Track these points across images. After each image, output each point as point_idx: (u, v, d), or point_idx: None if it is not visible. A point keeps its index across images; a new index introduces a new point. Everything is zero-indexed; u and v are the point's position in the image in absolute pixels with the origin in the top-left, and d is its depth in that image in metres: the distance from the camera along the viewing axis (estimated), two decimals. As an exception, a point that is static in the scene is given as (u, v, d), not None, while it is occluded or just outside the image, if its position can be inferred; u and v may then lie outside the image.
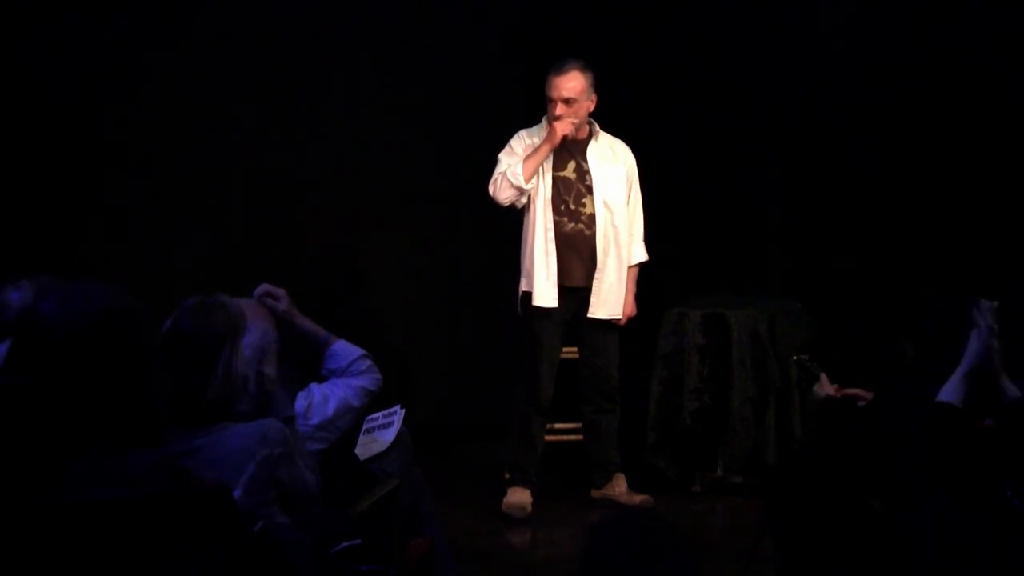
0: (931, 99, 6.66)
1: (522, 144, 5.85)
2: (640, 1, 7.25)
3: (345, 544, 3.33)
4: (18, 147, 5.99)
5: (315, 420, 3.74)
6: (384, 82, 6.94)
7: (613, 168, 5.92)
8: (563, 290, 5.85)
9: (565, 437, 6.40)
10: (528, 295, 5.88)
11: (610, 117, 5.99)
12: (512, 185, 5.76)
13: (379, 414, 4.29)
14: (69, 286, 2.42)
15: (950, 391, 3.53)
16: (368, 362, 3.88)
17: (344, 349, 3.88)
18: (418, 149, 7.01)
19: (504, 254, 6.17)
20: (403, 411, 4.28)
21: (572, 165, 5.87)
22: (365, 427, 4.29)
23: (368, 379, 3.86)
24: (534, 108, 6.01)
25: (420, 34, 7.01)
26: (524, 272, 5.91)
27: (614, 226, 5.89)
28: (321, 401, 3.78)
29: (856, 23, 6.85)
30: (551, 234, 5.81)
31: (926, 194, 6.69)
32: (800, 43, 6.93)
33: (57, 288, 2.43)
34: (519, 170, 5.75)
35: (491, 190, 5.81)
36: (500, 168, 5.81)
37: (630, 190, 5.98)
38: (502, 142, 5.91)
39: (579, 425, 6.22)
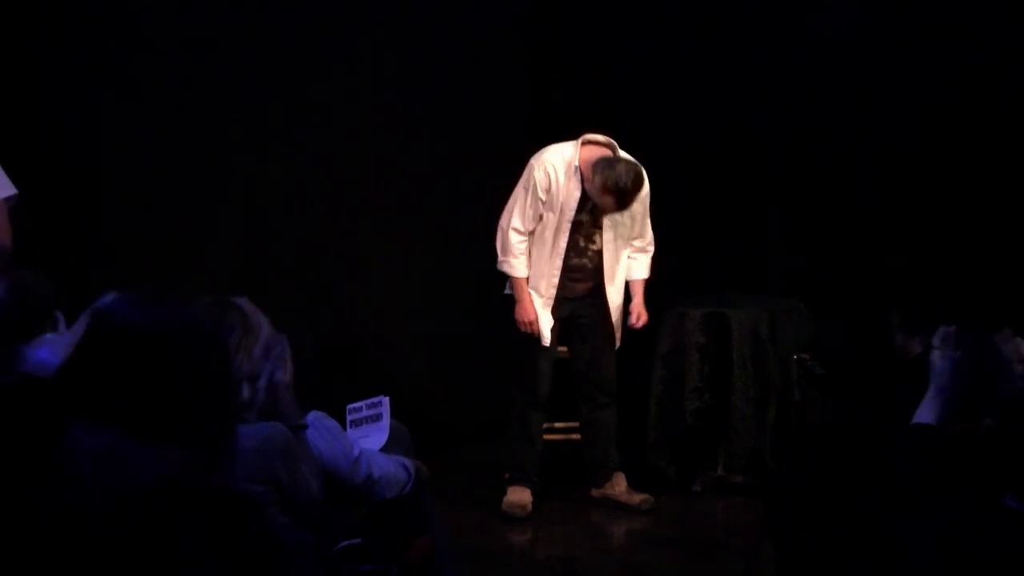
0: (931, 99, 6.66)
1: (546, 184, 5.73)
2: (640, 1, 7.25)
3: (346, 543, 3.34)
4: (18, 147, 5.98)
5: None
6: (384, 83, 6.94)
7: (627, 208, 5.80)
8: (559, 299, 5.89)
9: (565, 436, 6.40)
10: None
11: (611, 117, 5.99)
12: (507, 250, 5.83)
13: (362, 403, 4.16)
14: (158, 292, 2.41)
15: (926, 413, 3.53)
16: None
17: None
18: (418, 151, 7.00)
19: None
20: (387, 399, 4.14)
21: (588, 206, 5.77)
22: (350, 419, 4.16)
23: None
24: (534, 108, 6.00)
25: (420, 35, 7.00)
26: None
27: (617, 257, 5.89)
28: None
29: (856, 23, 6.86)
30: (558, 269, 5.84)
31: (926, 194, 6.69)
32: (800, 43, 6.94)
33: (147, 291, 2.41)
34: (518, 264, 5.83)
35: (498, 245, 5.89)
36: (513, 221, 5.80)
37: (643, 215, 5.91)
38: (502, 142, 5.92)
39: (578, 424, 6.21)
